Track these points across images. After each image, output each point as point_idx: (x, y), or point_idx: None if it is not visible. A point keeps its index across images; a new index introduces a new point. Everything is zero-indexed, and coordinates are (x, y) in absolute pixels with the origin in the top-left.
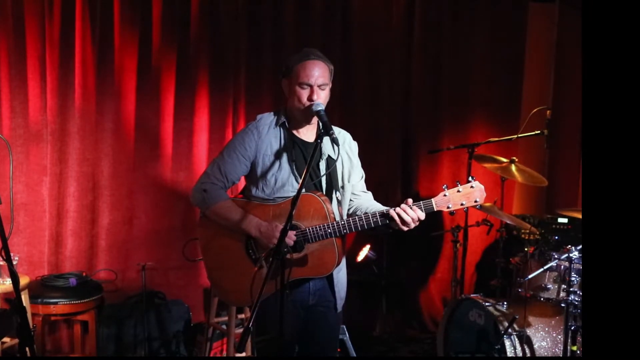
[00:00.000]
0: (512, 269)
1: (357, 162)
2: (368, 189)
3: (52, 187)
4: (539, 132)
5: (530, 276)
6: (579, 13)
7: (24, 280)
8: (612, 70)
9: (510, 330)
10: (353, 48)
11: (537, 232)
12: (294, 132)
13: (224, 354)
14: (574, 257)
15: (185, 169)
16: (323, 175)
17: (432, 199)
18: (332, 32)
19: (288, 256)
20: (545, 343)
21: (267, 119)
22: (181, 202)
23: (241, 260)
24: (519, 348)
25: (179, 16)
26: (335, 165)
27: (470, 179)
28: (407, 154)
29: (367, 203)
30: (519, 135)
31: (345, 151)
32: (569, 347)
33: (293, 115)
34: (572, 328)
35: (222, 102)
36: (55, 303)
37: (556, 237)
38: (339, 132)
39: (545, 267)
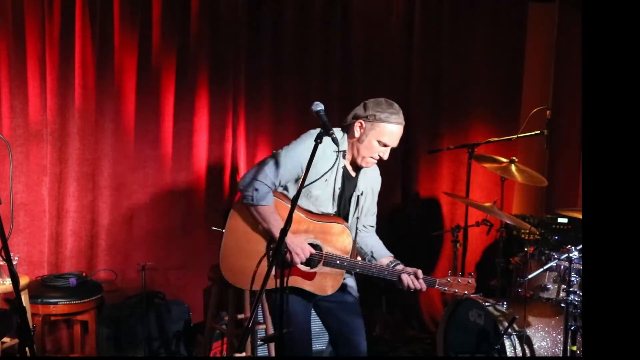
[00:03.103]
0: (512, 269)
1: (376, 199)
2: None
3: (52, 187)
4: (539, 132)
5: (530, 276)
6: (579, 13)
7: (23, 280)
8: (612, 70)
9: (510, 330)
10: (353, 48)
11: (537, 232)
12: (345, 161)
13: (224, 354)
14: (574, 257)
15: (185, 169)
16: (355, 215)
17: (437, 279)
18: (332, 32)
19: (303, 268)
20: (545, 343)
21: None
22: (181, 202)
23: (258, 252)
24: (518, 348)
25: (179, 16)
26: (359, 198)
27: (470, 274)
28: (407, 154)
29: (372, 241)
30: (519, 135)
31: (372, 187)
32: (568, 347)
33: (351, 151)
34: (572, 328)
35: (222, 102)
36: (55, 303)
37: (556, 237)
38: (372, 167)
39: (545, 267)
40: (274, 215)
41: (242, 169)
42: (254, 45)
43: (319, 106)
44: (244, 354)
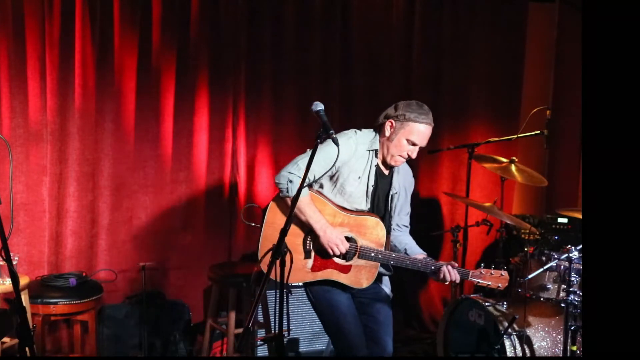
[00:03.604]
0: (512, 269)
1: (409, 199)
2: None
3: (52, 187)
4: (539, 132)
5: (530, 276)
6: (579, 13)
7: (23, 280)
8: (612, 70)
9: (510, 330)
10: (353, 48)
11: (537, 232)
12: (377, 159)
13: (224, 354)
14: (574, 257)
15: (185, 169)
16: (390, 212)
17: (470, 271)
18: (332, 32)
19: (338, 260)
20: (545, 343)
21: (367, 138)
22: (181, 202)
23: (295, 245)
24: (518, 348)
25: (179, 16)
26: (393, 197)
27: (503, 267)
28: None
29: (405, 240)
30: (519, 135)
31: (405, 187)
32: (568, 347)
33: (382, 150)
34: (572, 328)
35: (222, 102)
36: (55, 303)
37: (556, 237)
38: (406, 168)
39: (545, 267)
40: (310, 206)
41: (242, 169)
42: (254, 45)
43: (319, 106)
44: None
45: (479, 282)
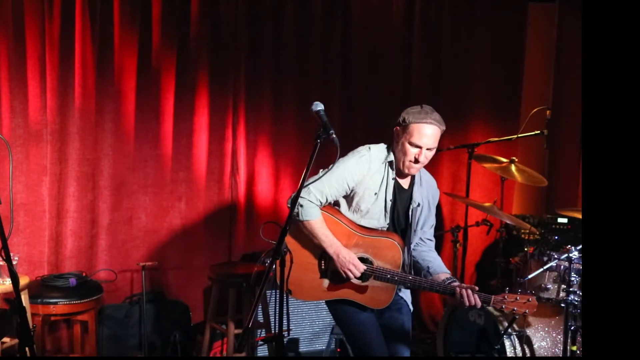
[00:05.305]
0: (512, 269)
1: (434, 211)
2: None
3: (52, 187)
4: (539, 132)
5: (530, 276)
6: (579, 13)
7: (23, 280)
8: (612, 70)
9: (510, 330)
10: (353, 48)
11: (537, 232)
12: (394, 173)
13: (224, 354)
14: (574, 257)
15: (185, 169)
16: (412, 226)
17: (492, 297)
18: (332, 32)
19: (354, 281)
20: (545, 343)
21: (380, 154)
22: (181, 202)
23: (310, 265)
24: (518, 348)
25: (179, 16)
26: (414, 210)
27: (531, 292)
28: None
29: (430, 256)
30: (519, 135)
31: (428, 199)
32: (568, 347)
33: (395, 159)
34: (572, 328)
35: (222, 102)
36: (55, 303)
37: (556, 237)
38: (428, 179)
39: (545, 267)
40: (322, 230)
41: (242, 169)
42: (254, 45)
43: (319, 106)
44: (244, 354)
45: (503, 308)
